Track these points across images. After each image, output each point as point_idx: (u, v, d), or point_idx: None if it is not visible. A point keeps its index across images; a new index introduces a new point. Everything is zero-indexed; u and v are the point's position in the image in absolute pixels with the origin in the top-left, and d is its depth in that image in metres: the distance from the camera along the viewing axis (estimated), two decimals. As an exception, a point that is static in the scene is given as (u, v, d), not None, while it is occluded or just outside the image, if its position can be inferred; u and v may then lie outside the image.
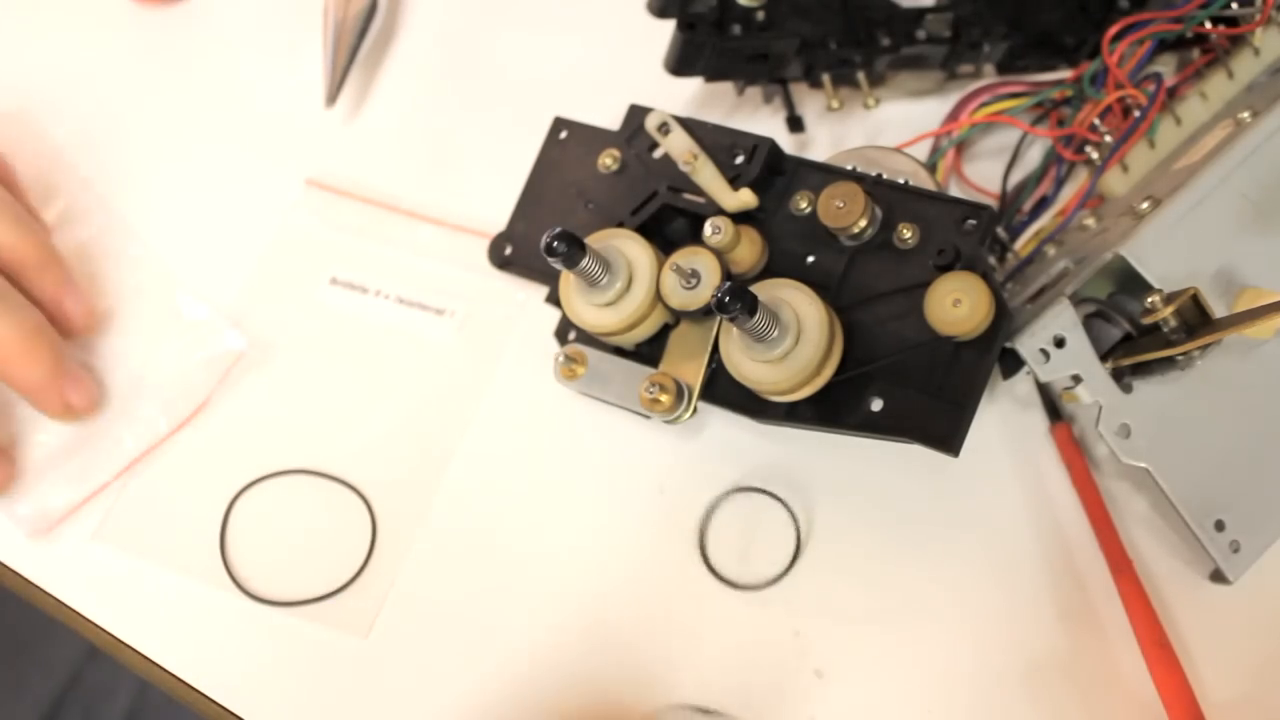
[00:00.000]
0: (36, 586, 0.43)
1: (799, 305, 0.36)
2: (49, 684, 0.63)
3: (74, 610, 0.43)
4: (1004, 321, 0.35)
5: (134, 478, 0.44)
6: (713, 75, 0.45)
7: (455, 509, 0.43)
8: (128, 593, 0.43)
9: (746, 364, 0.36)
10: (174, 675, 0.41)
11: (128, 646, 0.42)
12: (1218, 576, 0.39)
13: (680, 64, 0.44)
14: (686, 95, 0.48)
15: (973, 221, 0.36)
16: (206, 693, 0.41)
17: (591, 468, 0.43)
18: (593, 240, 0.38)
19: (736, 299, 0.33)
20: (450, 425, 0.45)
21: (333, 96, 0.49)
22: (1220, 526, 0.38)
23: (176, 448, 0.45)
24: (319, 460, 0.44)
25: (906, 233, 0.37)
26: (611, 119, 0.43)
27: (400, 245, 0.47)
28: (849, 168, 0.40)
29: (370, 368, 0.46)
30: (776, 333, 0.35)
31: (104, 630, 0.42)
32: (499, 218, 0.45)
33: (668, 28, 0.44)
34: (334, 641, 0.41)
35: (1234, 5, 0.42)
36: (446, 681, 0.41)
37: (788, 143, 0.46)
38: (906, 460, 0.40)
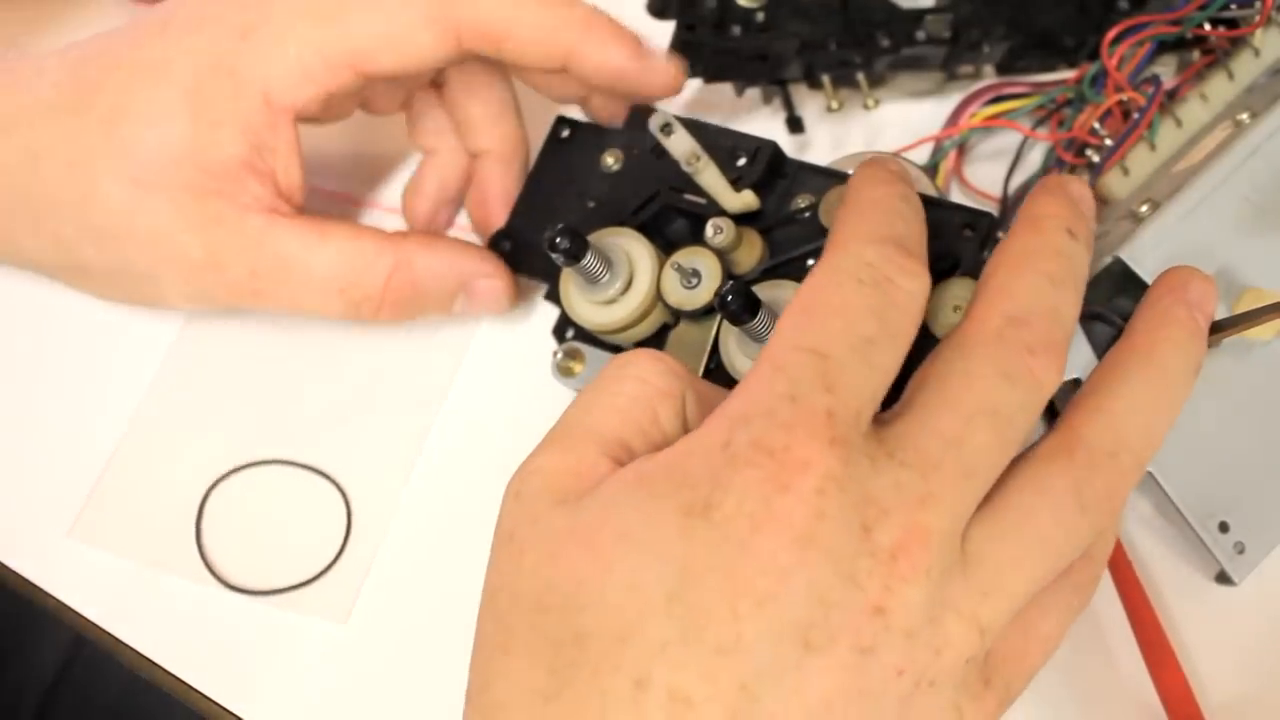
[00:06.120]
0: (20, 576, 0.43)
1: (801, 306, 0.36)
2: (41, 670, 0.63)
3: (58, 599, 0.43)
4: None
5: (106, 474, 0.44)
6: (712, 76, 0.45)
7: (434, 488, 0.43)
8: (107, 588, 0.43)
9: (747, 365, 0.36)
10: (160, 666, 0.42)
11: (112, 637, 0.42)
12: (1223, 578, 0.38)
13: (680, 64, 0.44)
14: (686, 96, 0.48)
15: (972, 229, 0.36)
16: (192, 684, 0.41)
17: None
18: (594, 238, 0.38)
19: (739, 298, 0.33)
20: (420, 401, 0.44)
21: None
22: (1224, 528, 0.37)
23: (145, 444, 0.45)
24: (287, 449, 0.44)
25: (908, 237, 0.37)
26: (613, 118, 0.43)
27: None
28: (851, 172, 0.39)
29: (323, 348, 0.46)
30: (778, 333, 0.35)
31: (90, 621, 0.42)
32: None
33: (668, 28, 0.44)
34: (313, 628, 0.42)
35: (1234, 6, 0.42)
36: (430, 663, 0.40)
37: (787, 144, 0.46)
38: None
